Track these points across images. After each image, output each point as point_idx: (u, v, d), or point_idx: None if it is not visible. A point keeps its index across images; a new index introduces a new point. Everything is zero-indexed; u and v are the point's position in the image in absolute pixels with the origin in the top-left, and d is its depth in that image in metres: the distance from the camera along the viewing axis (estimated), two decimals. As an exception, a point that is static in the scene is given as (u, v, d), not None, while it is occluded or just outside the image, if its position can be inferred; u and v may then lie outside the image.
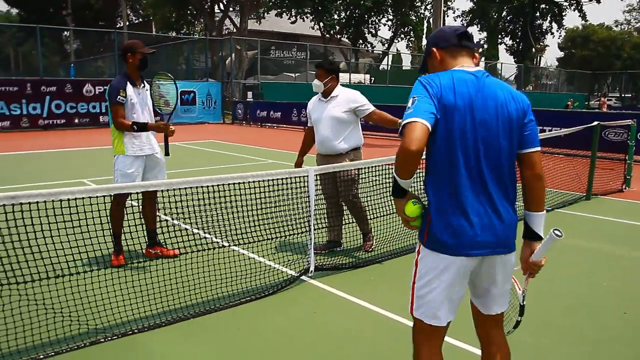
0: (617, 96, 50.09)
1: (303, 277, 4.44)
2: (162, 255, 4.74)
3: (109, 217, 4.35)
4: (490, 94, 2.03)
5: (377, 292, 4.20)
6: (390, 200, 5.09)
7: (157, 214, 4.88)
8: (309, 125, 5.17)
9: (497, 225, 2.02)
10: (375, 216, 5.06)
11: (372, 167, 4.98)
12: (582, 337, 3.49)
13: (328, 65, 4.94)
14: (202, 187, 3.88)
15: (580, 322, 3.71)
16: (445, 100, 1.97)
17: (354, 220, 5.14)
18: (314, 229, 4.53)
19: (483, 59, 39.00)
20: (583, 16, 44.55)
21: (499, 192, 2.03)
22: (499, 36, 47.96)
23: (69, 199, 3.22)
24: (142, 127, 4.55)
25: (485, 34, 48.44)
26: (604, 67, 52.03)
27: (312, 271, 4.48)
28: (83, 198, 3.26)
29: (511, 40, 48.60)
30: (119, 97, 4.53)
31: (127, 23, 41.68)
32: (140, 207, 4.76)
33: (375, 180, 5.07)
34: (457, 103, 1.97)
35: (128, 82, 4.62)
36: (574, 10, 44.44)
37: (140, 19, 48.84)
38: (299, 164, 5.16)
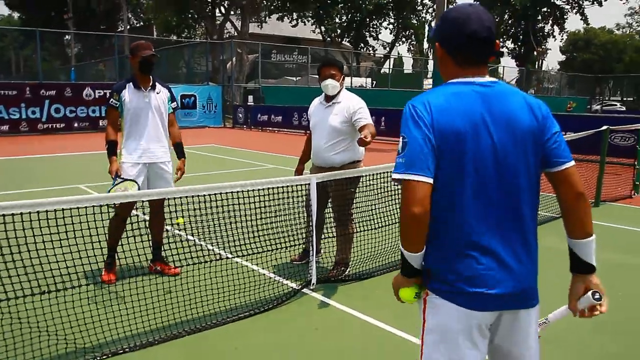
0: (618, 100, 49.90)
1: (305, 290, 4.24)
2: (162, 272, 4.44)
3: (106, 229, 4.10)
4: (502, 107, 1.68)
5: (382, 307, 3.99)
6: (397, 207, 4.90)
7: (165, 226, 4.59)
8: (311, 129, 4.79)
9: (516, 271, 1.67)
10: (381, 225, 4.84)
11: (383, 172, 4.75)
12: (594, 353, 3.29)
13: (339, 62, 4.58)
14: (198, 196, 3.69)
15: (589, 336, 3.51)
16: (442, 127, 1.63)
17: (336, 243, 4.62)
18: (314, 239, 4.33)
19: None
20: (585, 19, 44.39)
21: (516, 228, 1.68)
22: (501, 39, 47.81)
23: (55, 210, 3.03)
24: (108, 150, 4.34)
25: (486, 37, 48.22)
26: (605, 71, 51.81)
27: (314, 284, 4.28)
28: (71, 209, 3.07)
29: (513, 44, 48.43)
30: (111, 100, 4.37)
31: (128, 27, 41.62)
32: (140, 217, 4.54)
33: (382, 187, 4.85)
34: (457, 126, 1.63)
35: (130, 85, 4.38)
36: (576, 14, 44.28)
37: (142, 23, 48.78)
38: (299, 171, 4.90)
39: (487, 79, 1.74)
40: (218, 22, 35.76)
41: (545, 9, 45.31)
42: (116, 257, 4.26)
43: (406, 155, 1.65)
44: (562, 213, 1.77)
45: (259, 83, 27.87)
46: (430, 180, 1.63)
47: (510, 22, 47.66)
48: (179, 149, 4.67)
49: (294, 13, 37.93)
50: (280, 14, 37.95)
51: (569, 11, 45.01)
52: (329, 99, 4.53)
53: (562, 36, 49.42)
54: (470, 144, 1.64)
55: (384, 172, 4.75)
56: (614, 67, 53.51)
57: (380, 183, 4.82)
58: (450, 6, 1.73)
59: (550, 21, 46.69)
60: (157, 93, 4.48)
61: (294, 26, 39.12)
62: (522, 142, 1.68)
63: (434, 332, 1.73)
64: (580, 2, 43.63)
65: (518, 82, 41.40)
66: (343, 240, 4.60)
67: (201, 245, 4.36)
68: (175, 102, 4.69)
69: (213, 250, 4.47)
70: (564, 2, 44.44)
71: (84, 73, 33.83)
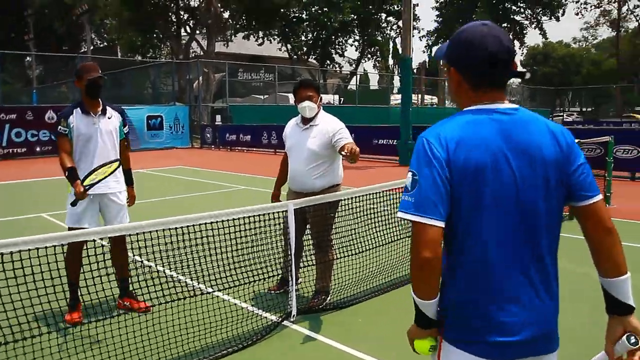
0: (577, 110, 51.63)
1: (285, 323, 4.03)
2: (131, 308, 4.16)
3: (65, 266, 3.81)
4: (522, 136, 1.55)
5: (367, 339, 3.81)
6: (376, 230, 4.76)
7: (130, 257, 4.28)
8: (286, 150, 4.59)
9: (537, 310, 1.56)
10: (361, 250, 4.68)
11: (363, 195, 4.60)
12: None
13: (315, 83, 4.44)
14: (170, 229, 3.46)
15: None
16: (459, 162, 1.51)
17: (316, 271, 4.45)
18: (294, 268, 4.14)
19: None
20: (544, 34, 45.84)
21: (535, 260, 1.56)
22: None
23: (12, 252, 2.76)
24: (70, 177, 3.91)
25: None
26: (565, 83, 53.56)
27: (294, 315, 4.07)
28: (29, 250, 2.81)
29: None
30: (59, 127, 4.06)
31: (92, 47, 40.88)
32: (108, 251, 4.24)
33: (362, 210, 4.70)
34: (475, 159, 1.51)
35: (78, 110, 4.08)
36: (535, 29, 45.74)
37: (105, 43, 47.97)
38: (275, 196, 4.71)
39: (507, 105, 1.61)
40: (184, 41, 35.43)
41: (505, 24, 46.56)
42: (79, 294, 3.96)
43: (416, 195, 1.52)
44: (590, 250, 1.65)
45: (226, 102, 27.62)
46: (442, 224, 1.52)
47: (472, 37, 48.73)
48: (128, 176, 4.44)
49: (260, 31, 37.92)
50: (246, 32, 37.88)
51: (528, 26, 46.47)
52: (306, 121, 4.36)
53: (522, 50, 51.01)
54: (490, 176, 1.52)
55: (364, 195, 4.61)
56: (572, 80, 55.33)
57: (361, 206, 4.67)
58: (462, 27, 1.56)
59: (511, 36, 48.00)
60: (109, 118, 4.21)
61: (260, 44, 39.09)
62: (544, 172, 1.56)
63: None
64: (539, 17, 45.13)
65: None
66: (323, 267, 4.42)
67: (172, 277, 4.11)
68: (127, 127, 4.45)
69: (186, 283, 4.23)
70: (523, 17, 45.89)
71: (46, 95, 32.91)
